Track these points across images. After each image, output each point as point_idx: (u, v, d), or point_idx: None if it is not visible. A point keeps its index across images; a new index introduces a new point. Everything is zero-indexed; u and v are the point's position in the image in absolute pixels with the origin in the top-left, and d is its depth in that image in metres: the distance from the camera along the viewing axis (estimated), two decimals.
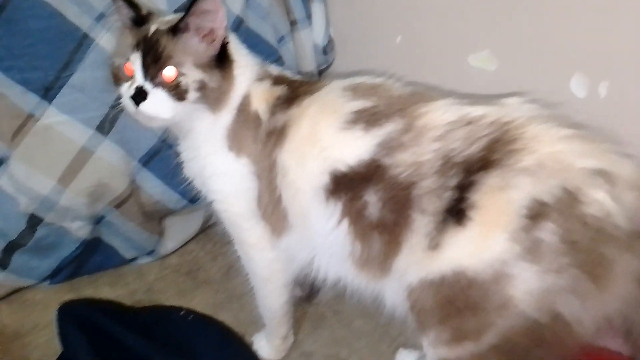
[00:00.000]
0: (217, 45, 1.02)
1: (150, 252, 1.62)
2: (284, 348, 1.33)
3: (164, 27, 1.02)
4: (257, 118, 1.07)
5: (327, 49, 1.71)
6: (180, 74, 0.98)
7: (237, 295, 1.52)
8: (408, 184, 0.92)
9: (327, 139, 0.99)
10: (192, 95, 1.00)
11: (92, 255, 1.55)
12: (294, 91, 1.08)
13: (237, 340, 1.38)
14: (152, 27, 1.02)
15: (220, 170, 1.09)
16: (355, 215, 0.97)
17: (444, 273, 0.89)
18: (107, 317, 1.25)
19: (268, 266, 1.15)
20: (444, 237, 0.89)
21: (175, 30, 1.00)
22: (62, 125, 1.34)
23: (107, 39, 1.30)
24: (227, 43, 1.05)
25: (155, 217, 1.59)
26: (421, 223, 0.92)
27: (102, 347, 1.20)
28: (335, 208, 0.99)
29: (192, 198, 1.49)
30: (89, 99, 1.35)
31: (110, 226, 1.52)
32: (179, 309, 1.46)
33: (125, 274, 1.60)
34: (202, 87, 1.00)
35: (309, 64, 1.72)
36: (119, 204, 1.48)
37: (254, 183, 1.07)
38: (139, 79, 0.99)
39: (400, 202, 0.93)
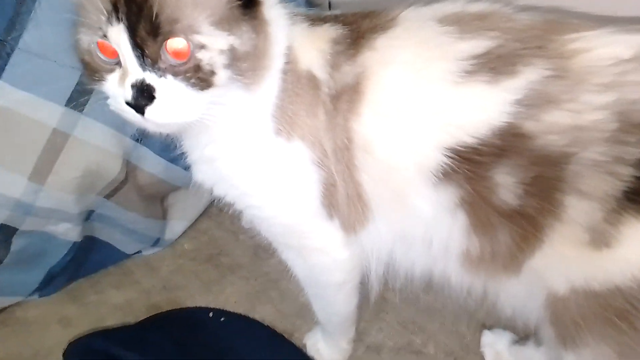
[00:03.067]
0: None
1: (156, 242, 1.34)
2: (349, 348, 1.09)
3: None
4: (311, 78, 0.75)
5: None
6: (196, 47, 0.64)
7: (273, 281, 1.27)
8: (561, 157, 0.65)
9: (438, 98, 0.70)
10: (222, 75, 0.66)
11: (86, 255, 1.26)
12: (354, 29, 0.76)
13: (286, 341, 1.14)
14: None
15: (264, 166, 0.78)
16: (477, 201, 0.71)
17: (618, 280, 0.64)
18: (126, 345, 0.99)
19: (341, 269, 0.88)
20: (619, 231, 0.63)
21: None
22: (21, 105, 1.01)
23: None
24: None
25: (157, 198, 1.30)
26: (578, 211, 0.66)
27: None
28: (449, 192, 0.72)
29: None
30: (52, 64, 1.01)
31: (103, 220, 1.23)
32: (207, 310, 1.21)
33: (132, 270, 1.33)
34: (233, 58, 0.66)
35: None
36: (112, 192, 1.18)
37: (316, 173, 0.78)
38: (134, 68, 0.64)
39: (547, 182, 0.67)
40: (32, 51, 0.98)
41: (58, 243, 1.17)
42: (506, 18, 0.71)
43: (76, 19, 0.67)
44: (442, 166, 0.70)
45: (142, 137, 1.17)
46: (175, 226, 1.38)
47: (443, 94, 0.69)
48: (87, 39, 0.67)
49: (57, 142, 1.05)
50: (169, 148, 1.19)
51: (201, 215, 1.44)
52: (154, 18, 0.61)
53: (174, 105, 0.65)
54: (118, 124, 1.11)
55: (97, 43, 0.65)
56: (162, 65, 0.64)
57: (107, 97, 0.69)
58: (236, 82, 0.68)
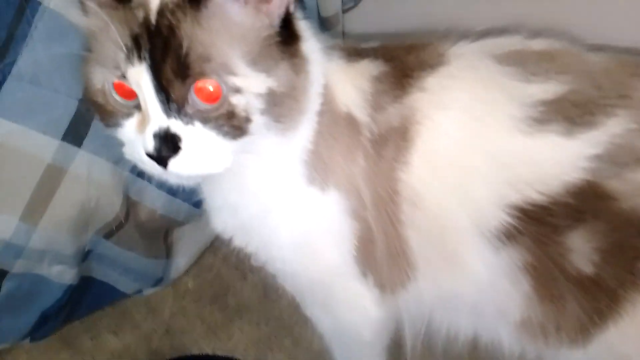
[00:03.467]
0: (277, 8, 0.58)
1: (158, 281, 1.24)
2: None
3: None
4: (350, 120, 0.67)
5: None
6: (230, 90, 0.55)
7: (286, 326, 1.17)
8: None
9: (502, 149, 0.62)
10: (258, 122, 0.58)
11: (82, 296, 1.16)
12: (397, 66, 0.69)
13: None
14: (153, 1, 0.57)
15: (294, 216, 0.70)
16: (545, 266, 0.62)
17: None
18: None
19: (371, 330, 0.79)
20: None
21: None
22: (13, 138, 0.91)
23: None
24: (291, 3, 0.60)
25: (159, 235, 1.20)
26: None
27: None
28: (512, 255, 0.63)
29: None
30: (47, 92, 0.92)
31: (101, 260, 1.13)
32: (214, 357, 1.11)
33: (131, 311, 1.22)
34: (271, 102, 0.57)
35: (331, 4, 1.27)
36: (112, 230, 1.08)
37: (351, 226, 0.69)
38: (157, 114, 0.55)
39: (630, 249, 0.59)
40: (25, 79, 0.89)
41: (52, 286, 1.06)
42: (577, 59, 0.63)
43: (87, 55, 0.58)
44: (505, 226, 0.61)
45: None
46: (180, 262, 1.28)
47: (508, 144, 0.61)
48: (100, 78, 0.58)
49: (52, 178, 0.95)
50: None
51: (206, 250, 1.34)
52: (183, 56, 0.53)
53: (201, 157, 0.57)
54: (116, 156, 1.02)
55: (114, 84, 0.56)
56: (189, 110, 0.55)
57: (120, 143, 0.60)
58: (272, 128, 0.59)
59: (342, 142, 0.67)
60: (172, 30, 0.54)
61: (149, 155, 0.56)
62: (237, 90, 0.55)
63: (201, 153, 0.57)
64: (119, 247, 1.11)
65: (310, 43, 0.65)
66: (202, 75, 0.54)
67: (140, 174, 1.03)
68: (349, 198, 0.68)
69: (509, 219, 0.61)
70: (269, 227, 0.72)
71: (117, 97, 0.58)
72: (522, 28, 0.68)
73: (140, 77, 0.54)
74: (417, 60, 0.68)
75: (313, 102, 0.65)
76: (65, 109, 0.93)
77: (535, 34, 0.68)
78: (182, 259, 1.28)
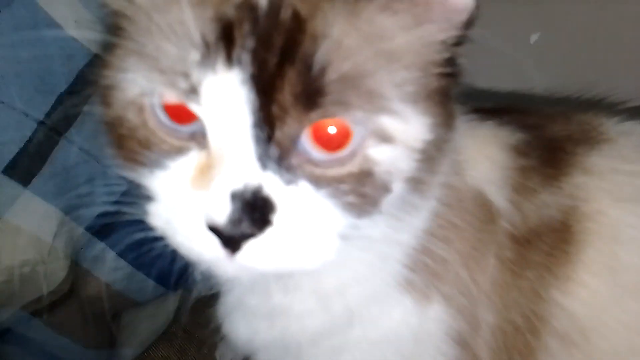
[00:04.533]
0: (443, 25, 0.37)
1: None
2: None
3: None
4: (482, 202, 0.48)
5: None
6: (372, 136, 0.35)
7: None
8: None
9: None
10: (396, 193, 0.37)
11: None
12: (540, 135, 0.51)
13: None
14: None
15: (370, 338, 0.48)
16: None
17: None
18: None
19: None
20: None
21: None
22: None
23: None
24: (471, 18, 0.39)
25: (105, 318, 0.92)
26: None
27: None
28: None
29: (174, 282, 0.86)
30: None
31: (23, 343, 0.84)
32: None
33: None
34: (420, 164, 0.37)
35: None
36: (46, 307, 0.81)
37: (452, 354, 0.49)
38: (246, 163, 0.33)
39: None
40: None
41: None
42: None
43: (117, 42, 0.34)
44: None
45: (104, 228, 0.82)
46: (124, 354, 1.00)
47: None
48: (142, 85, 0.35)
49: None
50: (137, 249, 0.85)
51: (159, 338, 1.05)
52: (317, 71, 0.31)
53: (299, 241, 0.35)
54: (72, 206, 0.78)
55: (161, 102, 0.34)
56: (294, 161, 0.34)
57: (136, 194, 0.36)
58: (402, 204, 0.39)
59: (466, 233, 0.47)
60: (299, 23, 0.32)
61: (214, 229, 0.32)
62: (386, 139, 0.34)
63: (301, 235, 0.34)
64: (50, 329, 0.84)
65: None
66: (342, 107, 0.33)
67: (101, 234, 0.80)
68: (459, 317, 0.47)
69: None
70: (328, 349, 0.48)
71: (164, 119, 0.35)
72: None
73: (226, 93, 0.31)
74: (566, 132, 0.51)
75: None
76: (18, 132, 0.70)
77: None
78: (128, 349, 1.00)
